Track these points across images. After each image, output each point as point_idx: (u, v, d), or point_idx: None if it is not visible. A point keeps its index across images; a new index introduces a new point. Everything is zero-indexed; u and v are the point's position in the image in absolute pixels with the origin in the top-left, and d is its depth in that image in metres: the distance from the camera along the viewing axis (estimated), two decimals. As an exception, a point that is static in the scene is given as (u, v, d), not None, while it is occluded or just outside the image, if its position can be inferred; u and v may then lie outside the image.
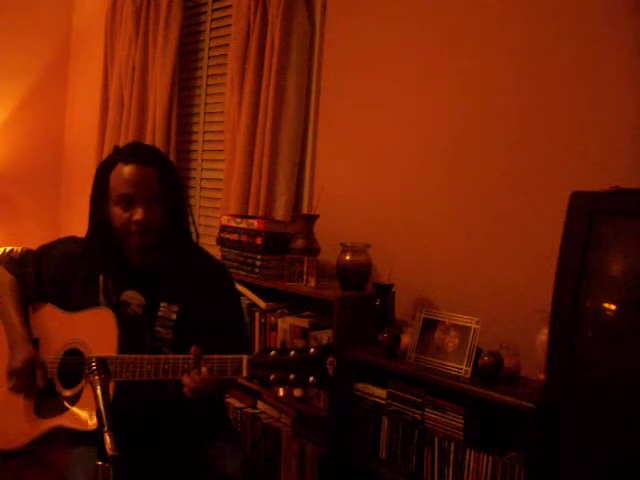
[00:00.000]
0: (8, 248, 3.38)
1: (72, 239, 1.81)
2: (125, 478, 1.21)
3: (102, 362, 1.28)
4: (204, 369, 1.45)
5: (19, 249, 3.35)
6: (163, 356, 1.51)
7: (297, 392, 1.37)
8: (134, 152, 1.66)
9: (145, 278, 1.69)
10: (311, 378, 1.35)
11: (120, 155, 1.65)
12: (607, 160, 1.88)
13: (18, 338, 1.66)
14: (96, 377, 1.24)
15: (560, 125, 2.00)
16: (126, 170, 1.60)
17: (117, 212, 1.61)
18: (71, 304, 1.69)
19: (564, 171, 1.97)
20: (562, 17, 2.00)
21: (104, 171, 1.66)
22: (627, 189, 1.53)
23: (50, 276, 1.74)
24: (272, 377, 1.36)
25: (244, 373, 1.43)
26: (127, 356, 1.51)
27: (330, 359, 1.34)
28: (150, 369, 1.48)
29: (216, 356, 1.46)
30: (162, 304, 1.68)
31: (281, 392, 1.37)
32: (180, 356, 1.49)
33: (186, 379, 1.47)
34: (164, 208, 1.64)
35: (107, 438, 1.14)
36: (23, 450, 1.64)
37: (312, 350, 1.37)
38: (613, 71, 1.88)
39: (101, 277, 1.68)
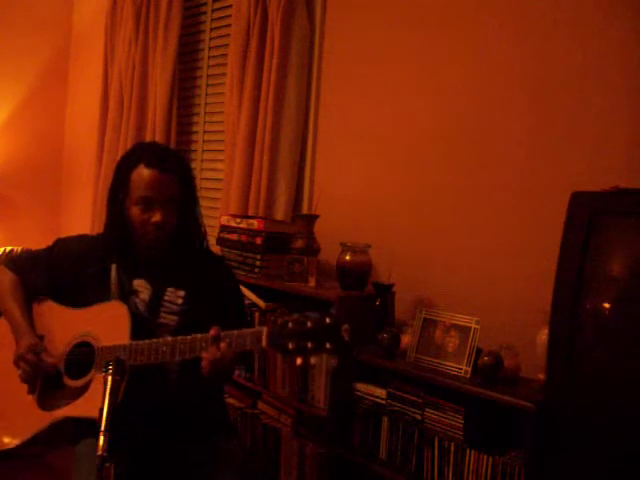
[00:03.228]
0: (8, 248, 3.39)
1: (86, 237, 1.86)
2: (126, 475, 1.22)
3: (120, 363, 1.32)
4: (223, 344, 1.49)
5: (19, 249, 3.36)
6: (180, 337, 1.54)
7: (313, 360, 1.43)
8: (157, 157, 1.70)
9: (153, 267, 1.74)
10: (328, 345, 1.39)
11: (143, 157, 1.70)
12: (607, 160, 1.88)
13: (23, 331, 1.70)
14: (109, 377, 1.28)
15: (560, 125, 2.00)
16: (148, 173, 1.66)
17: (136, 212, 1.67)
18: (84, 297, 1.71)
19: (564, 171, 1.97)
20: (562, 18, 2.00)
21: (126, 168, 1.71)
22: (627, 189, 1.53)
23: (63, 267, 1.77)
24: (291, 346, 1.40)
25: (263, 343, 1.46)
26: (142, 342, 1.55)
27: (345, 326, 1.39)
28: (166, 350, 1.53)
29: (235, 332, 1.51)
30: (169, 289, 1.73)
31: (299, 361, 1.41)
32: (198, 335, 1.52)
33: (204, 354, 1.51)
34: (179, 209, 1.71)
35: (101, 438, 1.17)
36: (24, 447, 1.64)
37: (328, 320, 1.41)
38: (613, 71, 1.88)
39: (114, 267, 1.72)
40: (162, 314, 1.71)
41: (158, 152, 1.75)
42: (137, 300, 1.71)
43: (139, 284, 1.73)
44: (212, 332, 1.50)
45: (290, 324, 1.43)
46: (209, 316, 1.62)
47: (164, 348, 1.53)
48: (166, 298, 1.72)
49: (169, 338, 1.55)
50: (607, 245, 1.53)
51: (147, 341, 1.55)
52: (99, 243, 1.79)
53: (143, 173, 1.67)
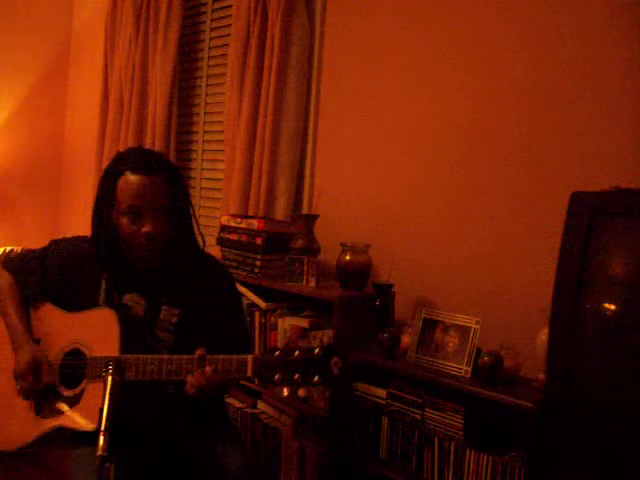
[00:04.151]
0: (8, 248, 3.39)
1: (83, 239, 1.79)
2: (126, 475, 1.21)
3: (119, 364, 1.31)
4: (208, 368, 1.46)
5: (19, 249, 3.36)
6: (166, 356, 1.52)
7: (301, 392, 1.39)
8: (142, 161, 1.63)
9: (147, 281, 1.69)
10: (315, 378, 1.37)
11: (127, 163, 1.62)
12: (607, 160, 1.88)
13: (21, 339, 1.66)
14: (109, 377, 1.27)
15: (560, 125, 2.00)
16: (134, 180, 1.59)
17: (125, 223, 1.60)
18: (74, 304, 1.69)
19: (564, 171, 1.97)
20: (562, 18, 2.00)
21: (110, 178, 1.64)
22: (627, 189, 1.53)
23: (56, 272, 1.74)
24: (277, 377, 1.38)
25: (249, 372, 1.44)
26: (130, 356, 1.51)
27: (334, 359, 1.36)
28: (154, 369, 1.49)
29: (221, 356, 1.47)
30: (163, 307, 1.69)
31: (285, 392, 1.39)
32: (184, 356, 1.49)
33: (189, 378, 1.48)
34: (171, 216, 1.64)
35: (101, 438, 1.16)
36: (23, 451, 1.64)
37: (317, 350, 1.38)
38: (613, 71, 1.88)
39: (103, 282, 1.68)
40: (158, 331, 1.68)
41: (142, 155, 1.67)
42: (131, 313, 1.66)
43: (131, 298, 1.68)
44: (197, 352, 1.47)
45: (277, 353, 1.40)
46: (206, 333, 1.60)
47: (152, 367, 1.50)
48: (161, 316, 1.68)
49: (156, 356, 1.52)
50: (607, 245, 1.53)
51: (134, 356, 1.51)
52: (92, 248, 1.73)
53: (130, 180, 1.59)
